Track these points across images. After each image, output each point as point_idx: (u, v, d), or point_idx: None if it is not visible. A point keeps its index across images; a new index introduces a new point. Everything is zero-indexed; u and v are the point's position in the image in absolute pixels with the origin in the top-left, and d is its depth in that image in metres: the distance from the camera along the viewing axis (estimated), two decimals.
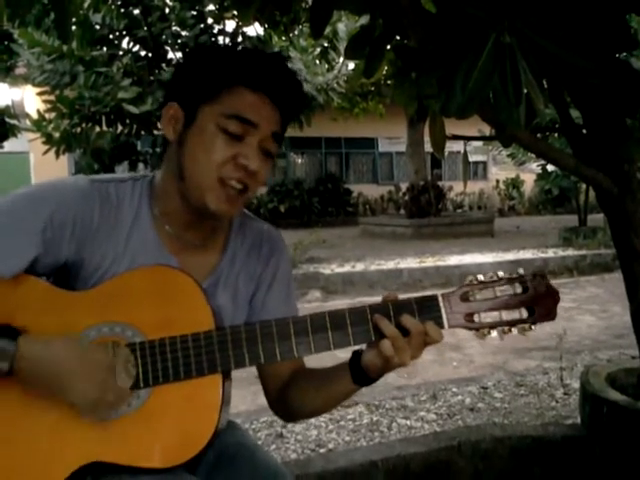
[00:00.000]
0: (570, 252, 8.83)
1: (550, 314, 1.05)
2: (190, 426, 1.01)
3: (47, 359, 0.96)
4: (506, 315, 1.05)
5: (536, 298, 1.05)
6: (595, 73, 1.32)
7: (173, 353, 1.01)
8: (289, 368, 1.21)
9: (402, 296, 1.07)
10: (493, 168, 20.92)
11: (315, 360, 1.09)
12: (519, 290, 1.06)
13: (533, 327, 1.05)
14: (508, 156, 11.13)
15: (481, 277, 1.06)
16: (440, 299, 1.05)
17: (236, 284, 1.18)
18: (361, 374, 1.09)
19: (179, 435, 1.01)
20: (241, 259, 1.19)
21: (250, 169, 1.04)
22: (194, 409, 1.02)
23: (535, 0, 1.26)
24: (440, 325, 1.05)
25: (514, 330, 1.05)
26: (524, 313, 1.06)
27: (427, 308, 1.04)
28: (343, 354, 1.07)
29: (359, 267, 7.85)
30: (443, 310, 1.04)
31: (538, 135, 2.84)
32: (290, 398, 1.19)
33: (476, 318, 1.05)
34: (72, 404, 0.97)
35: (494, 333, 1.05)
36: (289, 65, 1.12)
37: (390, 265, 7.95)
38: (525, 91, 1.24)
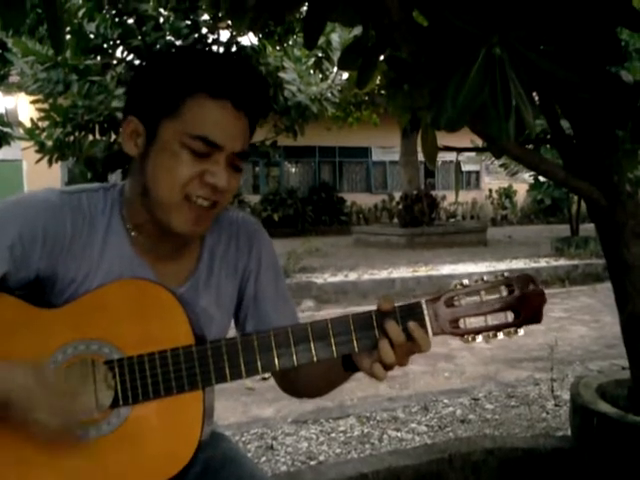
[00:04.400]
0: (562, 262, 8.86)
1: (536, 316, 1.03)
2: (172, 443, 1.00)
3: (9, 389, 0.93)
4: (492, 319, 1.03)
5: (522, 300, 1.03)
6: (584, 87, 1.33)
7: (152, 370, 0.99)
8: None
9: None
10: (486, 178, 20.99)
11: None
12: (505, 293, 1.04)
13: (519, 331, 1.03)
14: (501, 166, 11.24)
15: (466, 282, 1.04)
16: (424, 306, 1.02)
17: (218, 282, 1.16)
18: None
19: (161, 452, 0.99)
20: (220, 255, 1.16)
21: (219, 187, 1.00)
22: (176, 425, 1.00)
23: (525, 14, 1.27)
24: None
25: (500, 334, 1.03)
26: (510, 316, 1.03)
27: (411, 315, 1.02)
28: None
29: (352, 276, 7.85)
30: (427, 317, 1.02)
31: (530, 146, 2.85)
32: (295, 378, 1.18)
33: (461, 324, 1.03)
34: (35, 432, 0.95)
35: (479, 338, 1.03)
36: (252, 66, 1.08)
37: (383, 274, 7.95)
38: (515, 104, 1.25)
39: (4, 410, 0.94)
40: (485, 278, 1.04)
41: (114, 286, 1.03)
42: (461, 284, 1.04)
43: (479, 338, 1.03)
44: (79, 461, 0.98)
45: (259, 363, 1.01)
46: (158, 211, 1.03)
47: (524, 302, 1.03)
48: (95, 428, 0.98)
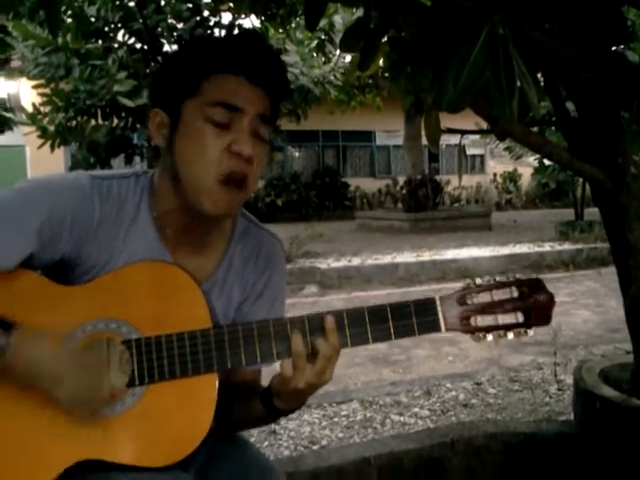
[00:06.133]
0: (567, 246, 8.83)
1: (545, 319, 1.08)
2: (185, 424, 1.01)
3: (39, 358, 0.95)
4: (502, 319, 1.07)
5: (532, 303, 1.08)
6: (589, 66, 1.31)
7: (169, 351, 1.01)
8: (247, 379, 1.17)
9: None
10: (490, 162, 20.90)
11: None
12: (515, 294, 1.08)
13: (529, 331, 1.08)
14: (505, 149, 11.14)
15: (479, 281, 1.09)
16: (438, 302, 1.06)
17: (230, 293, 1.17)
18: (269, 397, 1.07)
19: (173, 433, 1.00)
20: (237, 267, 1.18)
21: (244, 154, 1.02)
22: (189, 407, 1.02)
23: None
24: (437, 328, 1.06)
25: (509, 334, 1.08)
26: (520, 317, 1.08)
27: (425, 311, 1.06)
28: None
29: (355, 261, 7.84)
30: (440, 313, 1.06)
31: (534, 128, 2.81)
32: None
33: (472, 322, 1.07)
34: (59, 402, 0.96)
35: (490, 337, 1.08)
36: (265, 44, 1.11)
37: (387, 259, 7.94)
38: (519, 84, 1.23)
39: (34, 380, 0.96)
40: (497, 278, 1.10)
41: (135, 267, 1.04)
42: (474, 283, 1.09)
43: (489, 337, 1.08)
44: (92, 439, 0.98)
45: (274, 350, 1.02)
46: (191, 195, 1.04)
47: (534, 304, 1.08)
48: (110, 407, 0.99)
